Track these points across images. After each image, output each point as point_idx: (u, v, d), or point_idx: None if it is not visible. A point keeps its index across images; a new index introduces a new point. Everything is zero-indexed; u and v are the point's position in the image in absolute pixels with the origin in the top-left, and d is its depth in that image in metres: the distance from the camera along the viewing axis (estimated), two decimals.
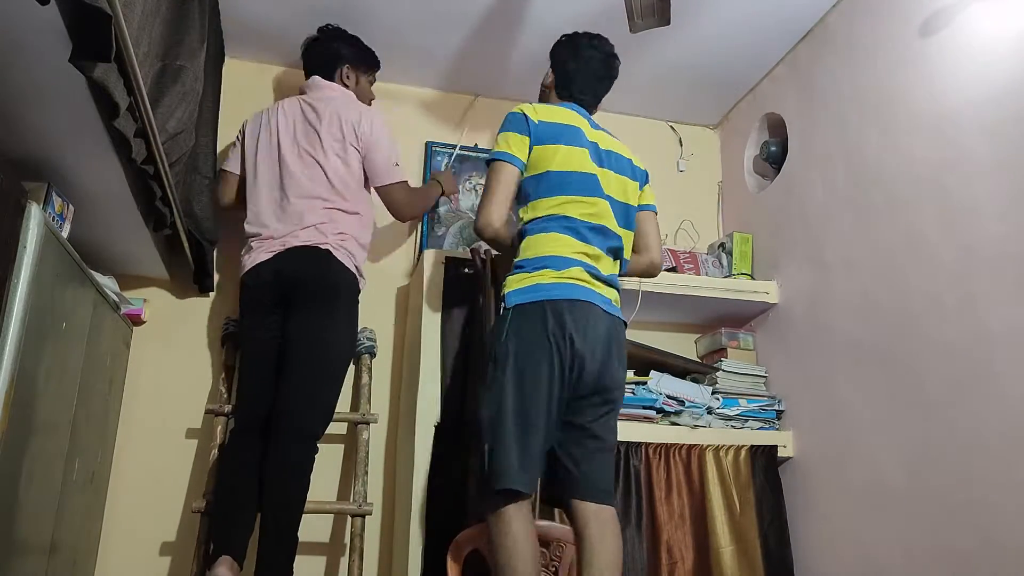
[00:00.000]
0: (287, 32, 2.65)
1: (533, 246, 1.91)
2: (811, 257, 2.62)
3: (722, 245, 2.97)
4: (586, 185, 1.96)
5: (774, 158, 2.93)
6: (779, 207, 2.84)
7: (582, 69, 2.13)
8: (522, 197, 1.99)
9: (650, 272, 2.19)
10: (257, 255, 2.29)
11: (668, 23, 2.21)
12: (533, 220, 1.94)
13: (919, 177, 2.16)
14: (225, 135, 2.65)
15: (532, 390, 1.77)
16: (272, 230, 2.30)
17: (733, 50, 2.82)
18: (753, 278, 2.89)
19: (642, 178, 2.15)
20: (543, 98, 2.21)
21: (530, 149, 1.97)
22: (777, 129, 2.98)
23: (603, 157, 2.03)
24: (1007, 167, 1.89)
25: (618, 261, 2.01)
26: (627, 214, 2.05)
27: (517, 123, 2.00)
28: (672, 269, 2.79)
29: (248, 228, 2.36)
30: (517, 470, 1.72)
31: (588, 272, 1.89)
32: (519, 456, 1.73)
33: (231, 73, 2.77)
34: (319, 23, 2.58)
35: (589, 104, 2.15)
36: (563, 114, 2.04)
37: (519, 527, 1.70)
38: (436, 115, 3.04)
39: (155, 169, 1.88)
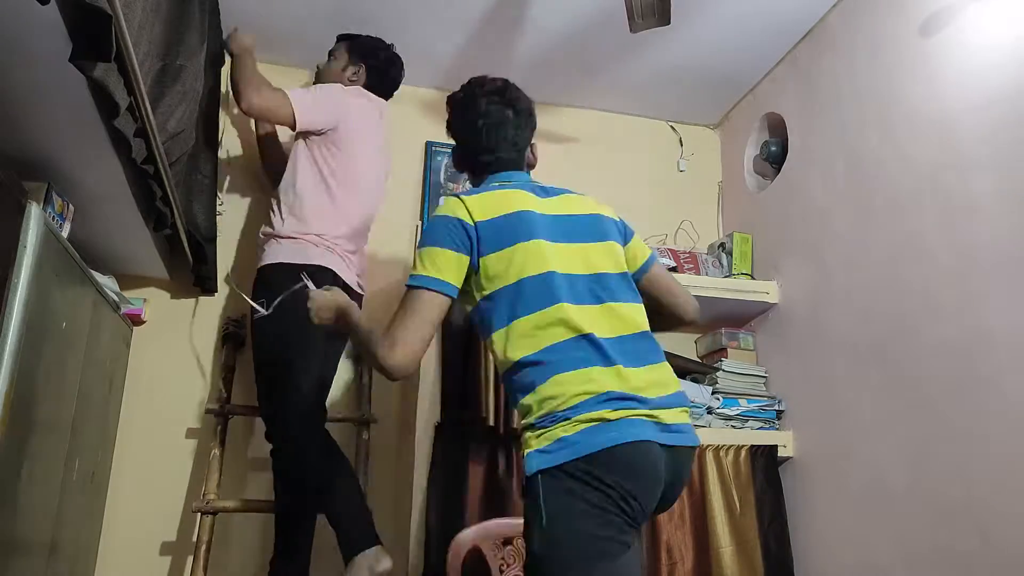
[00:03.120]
0: (288, 32, 2.65)
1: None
2: (811, 257, 2.62)
3: (722, 245, 2.97)
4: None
5: (774, 158, 2.93)
6: (779, 207, 2.84)
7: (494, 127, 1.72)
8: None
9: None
10: (340, 262, 2.27)
11: (668, 23, 2.21)
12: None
13: (919, 177, 2.16)
14: (224, 134, 2.65)
15: None
16: (356, 247, 2.38)
17: (733, 50, 2.82)
18: (753, 278, 2.89)
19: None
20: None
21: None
22: (777, 129, 2.98)
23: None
24: (1007, 167, 1.89)
25: None
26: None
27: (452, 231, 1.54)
28: (672, 269, 2.79)
29: (335, 228, 2.30)
30: None
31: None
32: None
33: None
34: (320, 23, 2.58)
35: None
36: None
37: None
38: (436, 115, 3.04)
39: (155, 169, 1.87)
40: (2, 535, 1.59)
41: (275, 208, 2.31)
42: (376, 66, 2.52)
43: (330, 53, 2.56)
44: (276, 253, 2.22)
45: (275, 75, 2.90)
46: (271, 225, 2.29)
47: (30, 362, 1.62)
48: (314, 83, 2.50)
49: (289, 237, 2.23)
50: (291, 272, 2.08)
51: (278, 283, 2.09)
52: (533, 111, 1.77)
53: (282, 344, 2.13)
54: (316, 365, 2.20)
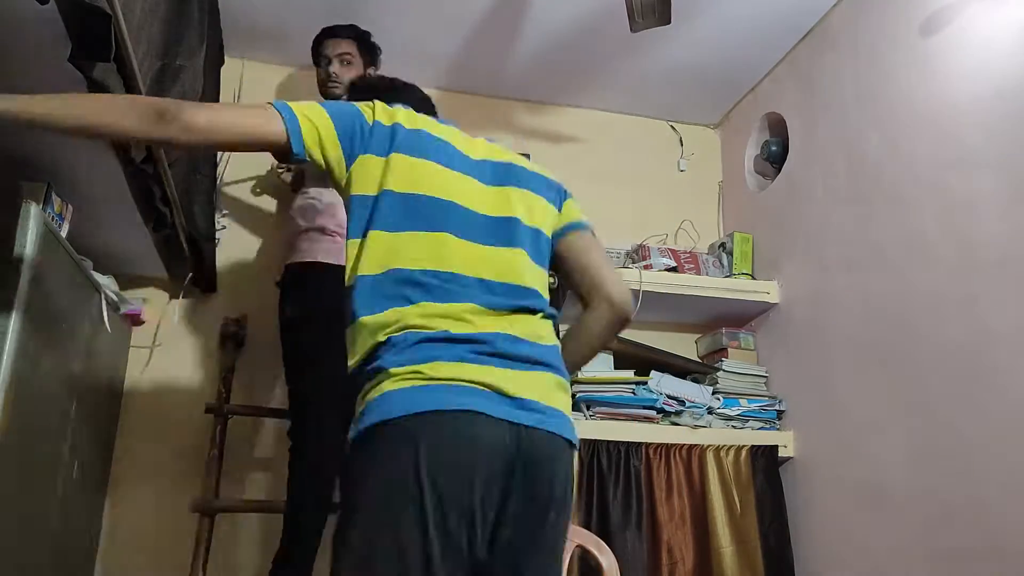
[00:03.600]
0: (289, 32, 2.65)
1: None
2: (811, 257, 2.62)
3: (723, 245, 2.97)
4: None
5: (775, 157, 2.93)
6: (780, 207, 2.84)
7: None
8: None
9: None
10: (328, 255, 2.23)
11: (668, 23, 2.21)
12: None
13: (920, 176, 2.16)
14: None
15: None
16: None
17: (733, 50, 2.82)
18: (754, 278, 2.88)
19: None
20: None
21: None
22: (778, 128, 2.97)
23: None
24: (1008, 166, 1.89)
25: None
26: None
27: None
28: (673, 269, 2.79)
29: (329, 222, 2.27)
30: None
31: None
32: None
33: (232, 73, 2.77)
34: (321, 23, 2.57)
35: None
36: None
37: None
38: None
39: (155, 169, 1.87)
40: (2, 535, 1.59)
41: (308, 199, 2.31)
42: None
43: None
44: (309, 251, 2.24)
45: (274, 74, 2.91)
46: (304, 217, 2.29)
47: (30, 362, 1.62)
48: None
49: (323, 232, 2.25)
50: (319, 272, 2.16)
51: (309, 283, 2.17)
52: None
53: (317, 347, 2.12)
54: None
